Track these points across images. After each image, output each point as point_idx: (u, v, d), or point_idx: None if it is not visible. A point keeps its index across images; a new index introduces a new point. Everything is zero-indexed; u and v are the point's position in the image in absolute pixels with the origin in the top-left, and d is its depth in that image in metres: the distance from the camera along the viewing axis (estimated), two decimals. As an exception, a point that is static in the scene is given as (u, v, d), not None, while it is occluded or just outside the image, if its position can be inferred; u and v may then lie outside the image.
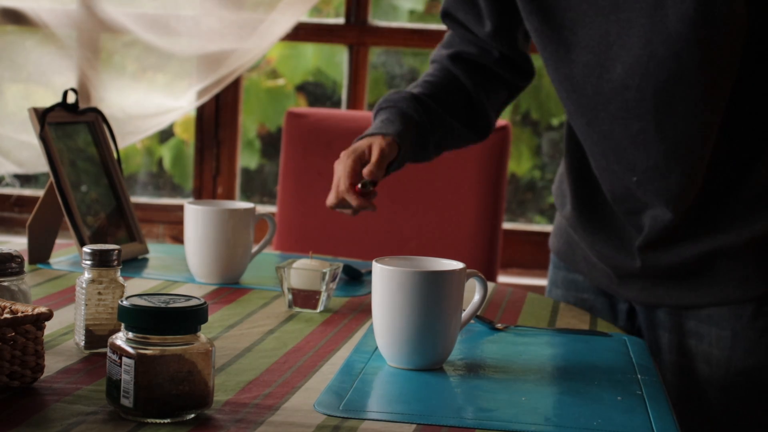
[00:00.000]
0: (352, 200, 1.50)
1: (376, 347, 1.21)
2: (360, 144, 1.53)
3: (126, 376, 0.93)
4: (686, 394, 1.53)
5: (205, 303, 0.97)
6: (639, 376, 1.17)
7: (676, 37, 1.35)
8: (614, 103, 1.43)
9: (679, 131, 1.41)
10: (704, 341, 1.50)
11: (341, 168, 1.50)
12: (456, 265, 1.17)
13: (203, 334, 0.97)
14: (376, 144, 1.51)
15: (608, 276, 1.59)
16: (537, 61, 1.65)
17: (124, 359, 0.94)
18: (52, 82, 2.72)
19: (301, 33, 2.77)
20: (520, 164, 2.86)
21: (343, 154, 1.51)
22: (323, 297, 1.39)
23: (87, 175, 1.66)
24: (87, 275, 1.15)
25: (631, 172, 1.46)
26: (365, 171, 1.49)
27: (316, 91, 3.00)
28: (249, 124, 2.99)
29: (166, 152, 3.03)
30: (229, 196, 2.85)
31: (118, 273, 1.16)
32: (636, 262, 1.53)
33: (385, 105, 1.60)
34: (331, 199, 1.51)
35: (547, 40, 1.48)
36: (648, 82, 1.39)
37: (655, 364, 1.25)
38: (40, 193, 2.77)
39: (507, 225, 2.81)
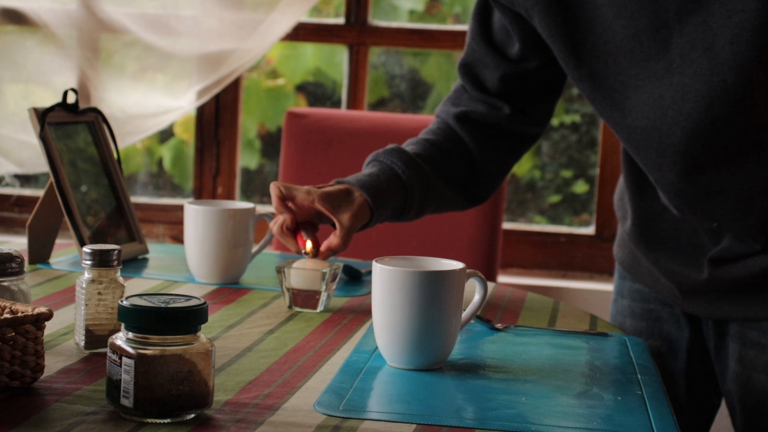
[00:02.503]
0: (291, 245, 1.46)
1: (376, 347, 1.21)
2: (328, 204, 1.44)
3: (126, 376, 0.93)
4: (747, 403, 1.51)
5: (205, 303, 0.97)
6: (639, 376, 1.17)
7: (738, 98, 1.32)
8: (680, 163, 1.39)
9: (753, 174, 1.38)
10: (766, 352, 1.47)
11: (300, 200, 1.44)
12: (456, 265, 1.17)
13: (203, 334, 0.97)
14: (346, 218, 1.44)
15: (672, 291, 1.56)
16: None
17: (124, 359, 0.94)
18: (52, 82, 2.72)
19: (301, 33, 2.77)
20: (520, 164, 2.86)
21: (308, 194, 1.44)
22: (323, 297, 1.39)
23: (87, 175, 1.66)
24: (87, 275, 1.15)
25: (709, 220, 1.43)
26: (323, 247, 1.44)
27: (316, 91, 3.00)
28: (249, 124, 2.99)
29: (166, 152, 3.03)
30: (229, 196, 2.85)
31: (118, 273, 1.16)
32: (702, 275, 1.48)
33: (380, 159, 1.53)
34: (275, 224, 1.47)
35: (601, 106, 1.43)
36: (714, 142, 1.36)
37: (655, 364, 1.25)
38: (40, 193, 2.77)
39: (507, 225, 2.81)
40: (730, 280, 1.47)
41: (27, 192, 2.94)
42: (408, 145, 1.58)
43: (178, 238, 2.87)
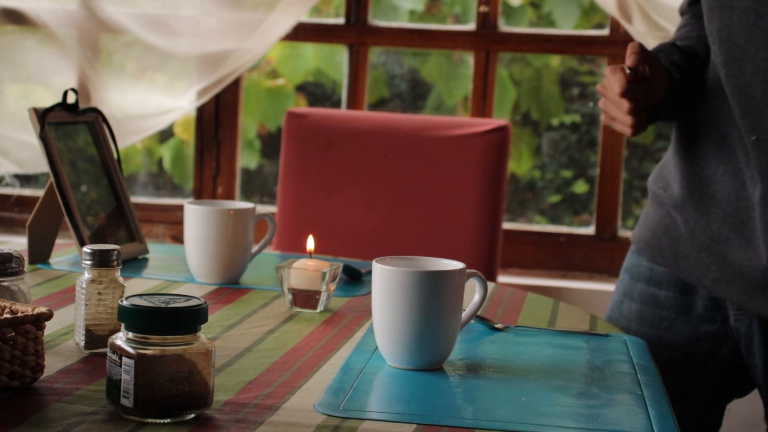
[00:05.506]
0: (619, 83, 1.41)
1: (376, 347, 1.21)
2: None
3: (126, 376, 0.94)
4: None
5: (205, 303, 0.97)
6: (639, 376, 1.17)
7: None
8: (761, 53, 1.38)
9: None
10: None
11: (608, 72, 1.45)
12: (456, 265, 1.17)
13: (203, 334, 0.97)
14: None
15: (725, 281, 1.47)
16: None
17: (124, 359, 0.94)
18: (52, 82, 2.72)
19: (301, 33, 2.77)
20: (520, 164, 2.86)
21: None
22: (323, 297, 1.39)
23: (87, 175, 1.66)
24: (87, 275, 1.15)
25: (752, 131, 1.40)
26: (629, 60, 1.42)
27: (316, 91, 3.00)
28: (249, 124, 2.99)
29: (166, 152, 3.03)
30: (229, 196, 2.85)
31: (118, 273, 1.16)
32: (762, 259, 1.40)
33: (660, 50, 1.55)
34: (601, 104, 1.47)
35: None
36: None
37: (654, 364, 1.25)
38: (40, 193, 2.77)
39: (507, 225, 2.81)
40: None
41: (27, 192, 2.94)
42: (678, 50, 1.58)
43: (178, 238, 2.87)
